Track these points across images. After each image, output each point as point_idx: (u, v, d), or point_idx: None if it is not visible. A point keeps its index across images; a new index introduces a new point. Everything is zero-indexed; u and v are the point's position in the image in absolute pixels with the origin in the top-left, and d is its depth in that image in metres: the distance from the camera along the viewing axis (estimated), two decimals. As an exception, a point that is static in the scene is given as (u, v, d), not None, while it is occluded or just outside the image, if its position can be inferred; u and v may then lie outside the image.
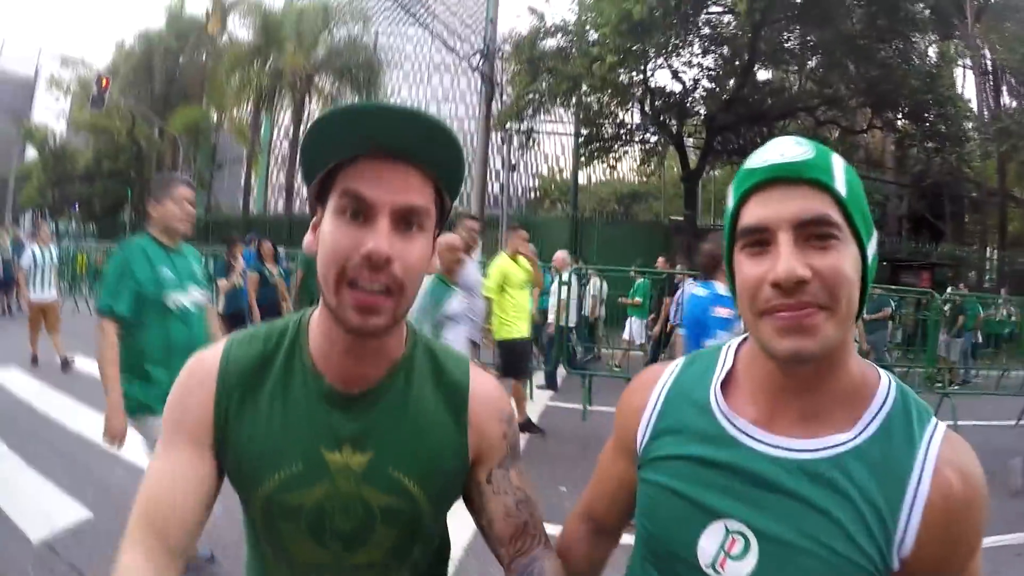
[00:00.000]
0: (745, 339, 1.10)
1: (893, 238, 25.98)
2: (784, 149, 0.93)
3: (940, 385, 10.43)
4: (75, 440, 6.39)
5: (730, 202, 0.99)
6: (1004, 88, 29.01)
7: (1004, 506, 5.75)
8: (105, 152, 40.52)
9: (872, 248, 0.96)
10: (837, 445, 0.95)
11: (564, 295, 9.61)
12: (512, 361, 7.03)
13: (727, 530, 0.98)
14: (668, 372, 1.16)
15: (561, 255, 10.23)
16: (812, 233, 0.90)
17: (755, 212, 0.94)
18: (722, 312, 4.36)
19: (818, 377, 0.96)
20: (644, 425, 1.12)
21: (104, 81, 25.58)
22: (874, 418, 0.96)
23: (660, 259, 11.80)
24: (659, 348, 10.19)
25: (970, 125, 22.59)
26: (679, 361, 1.17)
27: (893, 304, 12.35)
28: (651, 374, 1.18)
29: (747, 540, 0.96)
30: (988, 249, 28.69)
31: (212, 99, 37.77)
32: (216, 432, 1.09)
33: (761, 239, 0.93)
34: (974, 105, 26.63)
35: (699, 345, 4.51)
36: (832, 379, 0.97)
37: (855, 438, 0.95)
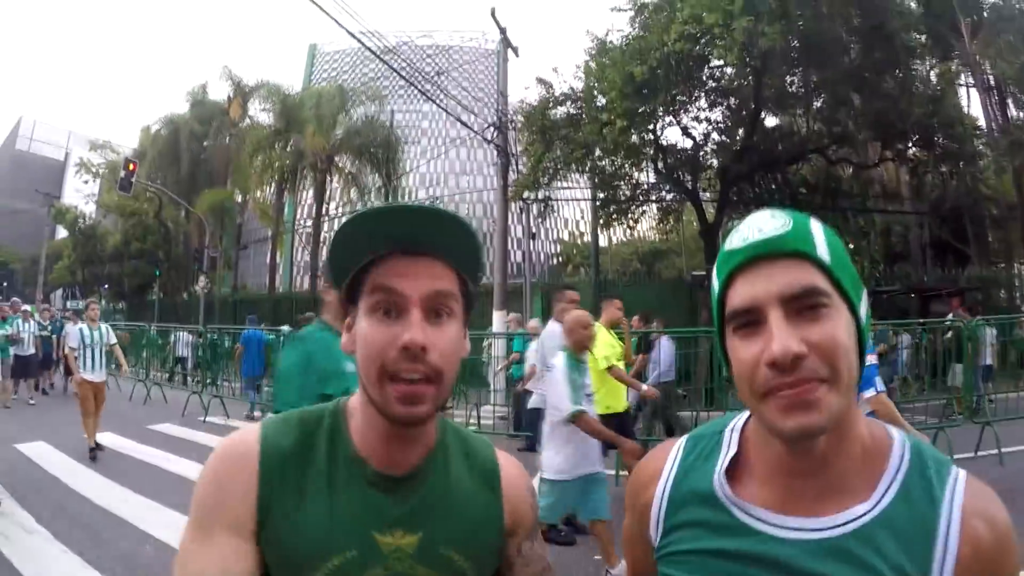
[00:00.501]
0: (747, 420, 1.08)
1: (919, 268, 25.81)
2: (762, 224, 0.93)
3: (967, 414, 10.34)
4: (102, 515, 6.63)
5: (715, 285, 0.99)
6: (1010, 101, 28.91)
7: None
8: (133, 233, 41.45)
9: (864, 308, 0.95)
10: (857, 518, 0.92)
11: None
12: (624, 432, 6.40)
13: None
14: (669, 463, 1.12)
15: (533, 322, 10.46)
16: (802, 305, 0.89)
17: (742, 292, 0.93)
18: None
19: (830, 451, 0.94)
20: (655, 522, 1.10)
21: (131, 165, 26.13)
22: (892, 482, 0.94)
23: (635, 318, 11.62)
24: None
25: (981, 142, 22.52)
26: (678, 448, 1.14)
27: (903, 337, 12.37)
28: (652, 466, 1.15)
29: None
30: (1016, 266, 28.36)
31: (236, 181, 38.68)
32: (259, 519, 1.06)
33: (751, 319, 0.91)
34: (982, 122, 26.59)
35: None
36: (844, 450, 0.95)
37: (875, 507, 0.92)
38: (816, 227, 0.94)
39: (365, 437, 1.12)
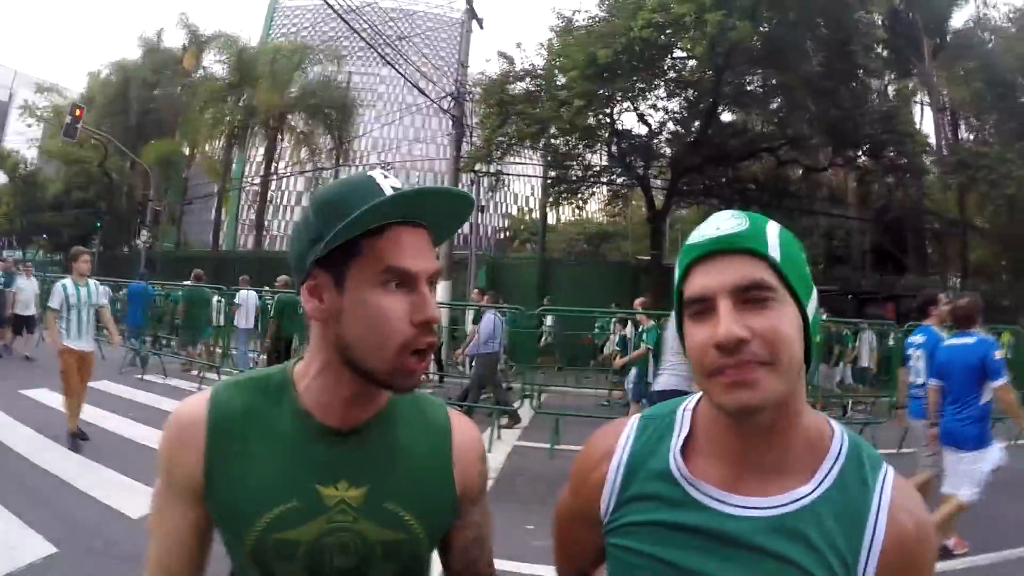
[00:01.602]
0: (699, 402, 1.14)
1: (858, 272, 26.50)
2: (720, 223, 1.01)
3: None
4: (41, 475, 6.42)
5: (676, 275, 1.07)
6: (961, 123, 29.80)
7: (980, 529, 5.81)
8: (76, 182, 39.82)
9: (812, 306, 1.02)
10: (799, 499, 1.01)
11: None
12: None
13: None
14: (622, 441, 1.17)
15: (475, 292, 10.74)
16: (749, 297, 0.96)
17: (697, 282, 1.01)
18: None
19: (774, 433, 1.02)
20: (607, 497, 1.15)
21: (78, 111, 25.26)
22: (831, 469, 1.03)
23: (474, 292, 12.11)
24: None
25: (928, 159, 23.19)
26: (630, 427, 1.19)
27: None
28: (604, 445, 1.19)
29: None
30: (951, 278, 29.30)
31: (185, 133, 37.58)
32: (206, 479, 1.10)
33: (704, 307, 0.99)
34: (932, 140, 27.38)
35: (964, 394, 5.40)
36: (787, 434, 1.02)
37: (815, 490, 1.01)
38: (772, 229, 1.02)
39: (318, 396, 1.13)
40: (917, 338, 6.28)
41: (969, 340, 5.42)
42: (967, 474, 5.35)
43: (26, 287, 14.28)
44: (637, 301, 11.25)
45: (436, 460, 1.21)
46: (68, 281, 7.81)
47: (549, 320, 15.29)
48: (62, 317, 7.71)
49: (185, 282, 15.48)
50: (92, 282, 8.05)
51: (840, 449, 1.05)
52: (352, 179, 1.10)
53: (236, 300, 13.82)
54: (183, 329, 14.67)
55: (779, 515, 1.00)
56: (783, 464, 1.03)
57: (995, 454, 5.42)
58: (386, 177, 1.08)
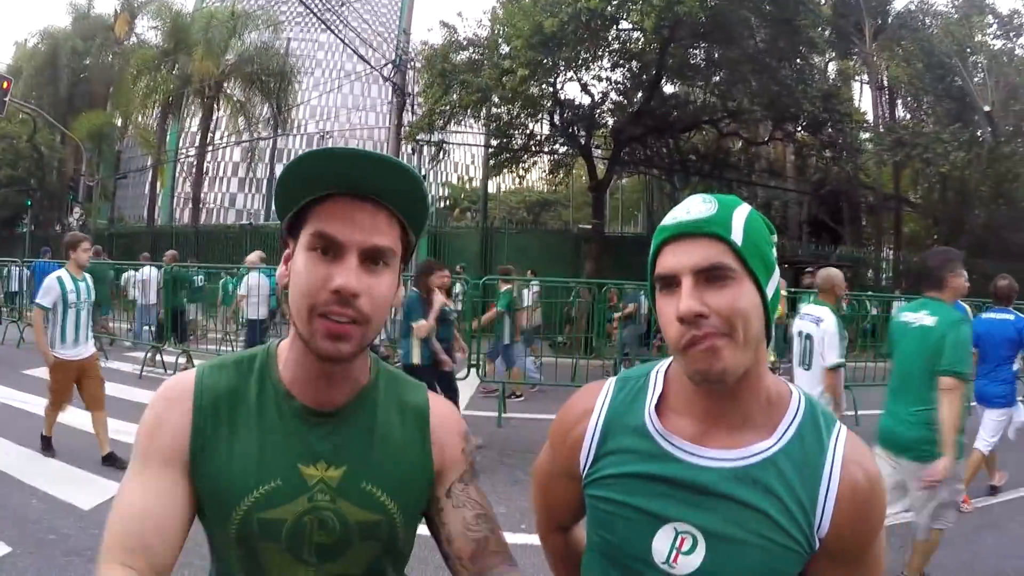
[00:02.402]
0: (670, 364, 1.26)
1: (794, 242, 27.09)
2: (691, 207, 1.12)
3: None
4: None
5: (650, 253, 1.16)
6: (899, 102, 30.58)
7: None
8: (3, 159, 38.37)
9: (772, 286, 1.12)
10: (761, 452, 1.12)
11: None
12: None
13: (676, 531, 1.13)
14: (600, 400, 1.28)
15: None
16: (710, 276, 1.07)
17: (665, 262, 1.11)
18: None
19: (737, 394, 1.13)
20: (586, 451, 1.25)
21: (5, 83, 24.09)
22: (789, 426, 1.15)
23: None
24: None
25: (865, 136, 23.74)
26: (607, 388, 1.30)
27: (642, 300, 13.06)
28: (583, 404, 1.29)
29: (695, 538, 1.12)
30: (885, 250, 30.18)
31: (118, 104, 36.14)
32: (192, 456, 1.12)
33: (671, 283, 1.10)
34: (871, 117, 28.02)
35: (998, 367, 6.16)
36: (750, 395, 1.14)
37: (775, 444, 1.13)
38: (740, 214, 1.12)
39: (293, 374, 1.17)
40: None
41: (1008, 316, 6.16)
42: (989, 427, 6.21)
43: None
44: (500, 268, 11.67)
45: (414, 440, 1.24)
46: (64, 274, 6.49)
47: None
48: (53, 320, 6.41)
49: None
50: (88, 276, 6.83)
51: (798, 409, 1.18)
52: (316, 149, 1.10)
53: (139, 276, 13.55)
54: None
55: (744, 466, 1.12)
56: (747, 421, 1.15)
57: (1021, 412, 6.36)
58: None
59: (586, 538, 1.32)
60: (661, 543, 1.14)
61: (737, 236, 1.09)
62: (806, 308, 5.88)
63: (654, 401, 1.22)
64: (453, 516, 1.24)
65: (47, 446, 6.73)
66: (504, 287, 10.48)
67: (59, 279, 6.42)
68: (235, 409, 1.16)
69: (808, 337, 5.36)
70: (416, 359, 7.05)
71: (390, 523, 1.18)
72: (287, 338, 1.21)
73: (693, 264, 1.08)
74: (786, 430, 1.15)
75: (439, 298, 7.22)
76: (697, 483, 1.13)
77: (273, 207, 1.16)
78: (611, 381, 1.31)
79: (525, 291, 12.26)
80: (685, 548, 1.13)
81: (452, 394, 7.22)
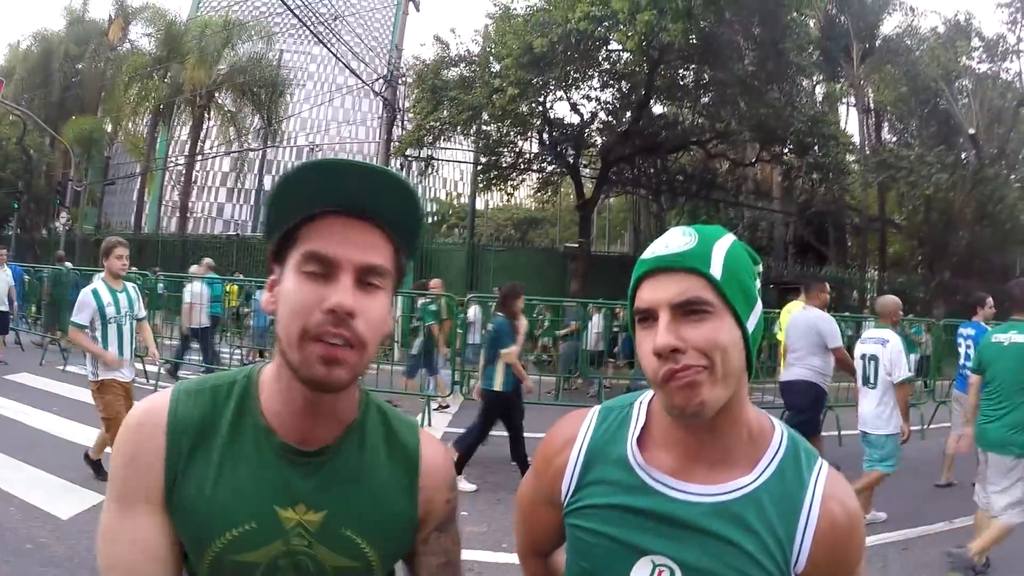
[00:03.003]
0: (653, 397, 1.23)
1: (780, 263, 27.26)
2: (670, 241, 1.11)
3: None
4: None
5: (630, 287, 1.16)
6: (885, 125, 30.90)
7: (896, 507, 6.59)
8: (-9, 160, 38.31)
9: (753, 319, 1.11)
10: (741, 487, 1.12)
11: None
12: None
13: (654, 564, 1.13)
14: (583, 429, 1.26)
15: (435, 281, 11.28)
16: (687, 310, 1.06)
17: (643, 296, 1.11)
18: None
19: (717, 428, 1.12)
20: (568, 480, 1.24)
21: None
22: (771, 462, 1.14)
23: None
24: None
25: (851, 158, 23.95)
26: (591, 417, 1.29)
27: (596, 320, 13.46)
28: (566, 432, 1.28)
29: (672, 571, 1.12)
30: (870, 270, 30.38)
31: (108, 110, 35.92)
32: (166, 490, 1.06)
33: (649, 317, 1.09)
34: (857, 139, 28.28)
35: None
36: (730, 430, 1.13)
37: (755, 480, 1.12)
38: (720, 247, 1.11)
39: (275, 407, 1.09)
40: (967, 330, 7.61)
41: None
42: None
43: (0, 279, 12.08)
44: (432, 282, 11.74)
45: (400, 486, 1.18)
46: (100, 285, 5.74)
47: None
48: (93, 337, 5.70)
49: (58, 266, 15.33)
50: (130, 286, 6.16)
51: (780, 444, 1.17)
52: (307, 161, 1.05)
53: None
54: (47, 310, 14.44)
55: (723, 501, 1.12)
56: (728, 456, 1.14)
57: None
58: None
59: (565, 566, 1.31)
60: (639, 575, 1.14)
61: (716, 270, 1.08)
62: (869, 332, 6.54)
63: (636, 433, 1.21)
64: (423, 562, 1.23)
65: (98, 470, 6.19)
66: (423, 300, 10.69)
67: (94, 292, 5.68)
68: (210, 442, 1.09)
69: (873, 358, 6.09)
70: (499, 386, 7.01)
71: (368, 570, 1.13)
72: (271, 363, 1.13)
73: (669, 298, 1.07)
74: (767, 466, 1.15)
75: (524, 322, 7.33)
76: (676, 517, 1.13)
77: (261, 221, 1.12)
78: (594, 411, 1.31)
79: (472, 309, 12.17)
80: None
81: (521, 415, 7.28)
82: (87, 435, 7.04)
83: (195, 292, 11.77)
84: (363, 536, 1.12)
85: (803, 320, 7.25)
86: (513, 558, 1.58)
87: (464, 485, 6.58)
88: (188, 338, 12.23)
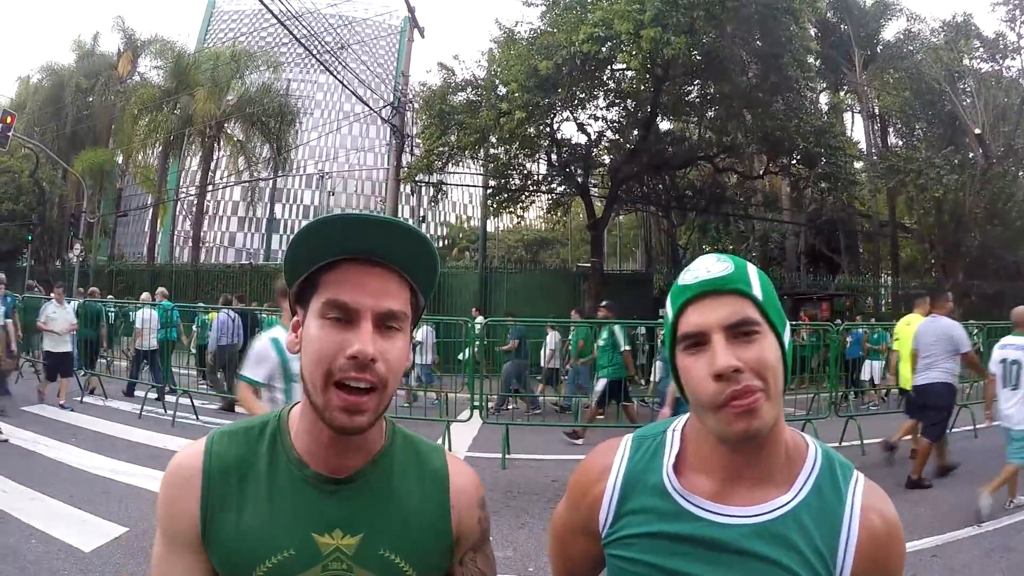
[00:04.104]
0: (686, 423, 1.26)
1: (792, 273, 27.14)
2: (709, 266, 1.15)
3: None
4: None
5: (670, 313, 1.18)
6: (891, 129, 30.86)
7: (915, 512, 6.72)
8: (5, 193, 38.39)
9: (787, 335, 1.16)
10: (781, 506, 1.13)
11: None
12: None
13: None
14: (618, 459, 1.28)
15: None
16: (739, 332, 1.09)
17: (692, 320, 1.12)
18: None
19: (761, 450, 1.14)
20: (605, 511, 1.25)
21: (9, 118, 23.91)
22: (808, 479, 1.16)
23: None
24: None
25: (859, 165, 23.91)
26: (624, 446, 1.31)
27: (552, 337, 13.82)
28: (601, 463, 1.30)
29: None
30: (883, 276, 30.28)
31: (119, 142, 36.17)
32: (202, 530, 1.11)
33: (699, 341, 1.11)
34: (863, 145, 28.23)
35: None
36: (772, 450, 1.15)
37: (794, 498, 1.14)
38: (752, 271, 1.16)
39: (306, 442, 1.15)
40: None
41: None
42: None
43: (59, 316, 11.61)
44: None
45: (432, 507, 1.22)
46: (279, 332, 4.33)
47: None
48: (271, 398, 4.34)
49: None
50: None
51: (815, 460, 1.19)
52: (325, 216, 1.11)
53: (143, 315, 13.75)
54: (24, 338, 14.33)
55: (763, 522, 1.13)
56: (766, 476, 1.16)
57: None
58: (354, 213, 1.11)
59: None
60: None
61: (757, 291, 1.13)
62: (1008, 340, 7.13)
63: (672, 460, 1.22)
64: None
65: None
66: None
67: (274, 341, 4.29)
68: (245, 479, 1.15)
69: (1016, 362, 6.80)
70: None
71: None
72: (297, 404, 1.20)
73: (721, 320, 1.10)
74: (804, 483, 1.16)
75: None
76: (717, 541, 1.13)
77: (283, 261, 1.15)
78: (627, 439, 1.33)
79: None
80: None
81: None
82: (105, 466, 7.13)
83: (144, 318, 13.00)
84: (400, 556, 1.16)
85: (934, 328, 8.03)
86: None
87: None
88: (137, 359, 13.43)
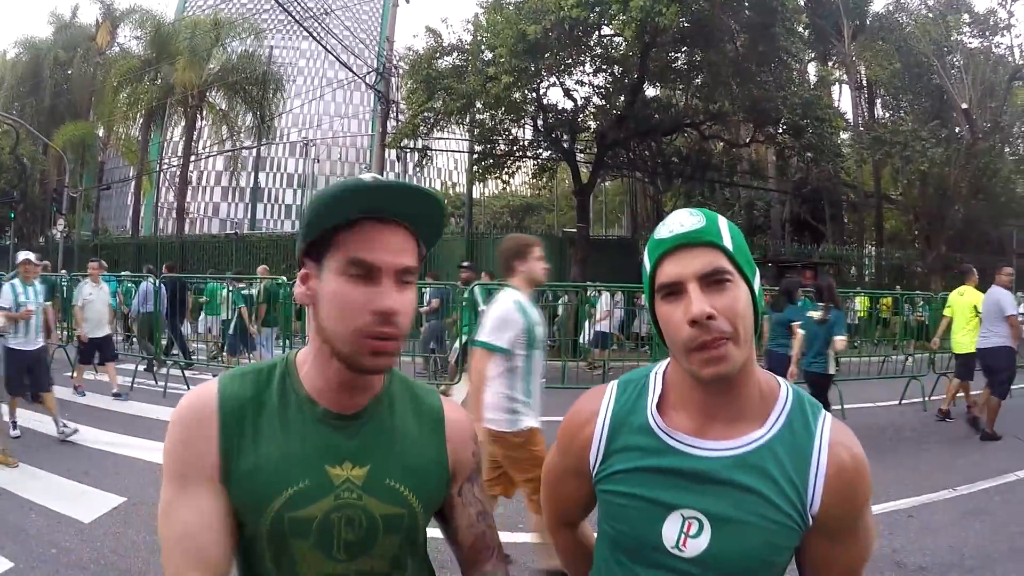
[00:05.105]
0: (667, 367, 1.37)
1: (777, 241, 27.30)
2: (683, 220, 1.22)
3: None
4: None
5: (647, 265, 1.27)
6: (878, 101, 30.91)
7: (892, 475, 6.85)
8: (-15, 171, 38.23)
9: (757, 284, 1.25)
10: (756, 440, 1.23)
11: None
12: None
13: (683, 517, 1.24)
14: (605, 403, 1.39)
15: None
16: (711, 280, 1.18)
17: (668, 271, 1.21)
18: None
19: (733, 389, 1.24)
20: (595, 452, 1.36)
21: None
22: (780, 415, 1.26)
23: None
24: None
25: (845, 136, 23.94)
26: (610, 391, 1.41)
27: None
28: (589, 408, 1.41)
29: (701, 522, 1.23)
30: (867, 246, 30.48)
31: (100, 114, 35.66)
32: (223, 464, 1.18)
33: (676, 290, 1.20)
34: (850, 116, 28.27)
35: None
36: (745, 390, 1.25)
37: (768, 432, 1.24)
38: (723, 223, 1.24)
39: (316, 382, 1.25)
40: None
41: None
42: None
43: (97, 297, 10.82)
44: (259, 268, 13.66)
45: (430, 441, 1.34)
46: (520, 295, 4.13)
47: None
48: (511, 372, 4.06)
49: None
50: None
51: (787, 399, 1.29)
52: (340, 180, 1.19)
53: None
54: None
55: (741, 453, 1.23)
56: (741, 413, 1.26)
57: None
58: (374, 178, 1.17)
59: (598, 531, 1.42)
60: (670, 529, 1.25)
61: (728, 243, 1.21)
62: None
63: (655, 400, 1.33)
64: (461, 512, 1.40)
65: None
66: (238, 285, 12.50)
67: (519, 305, 4.08)
68: (259, 416, 1.22)
69: None
70: (832, 369, 8.08)
71: (412, 515, 1.27)
72: (303, 349, 1.30)
73: (696, 271, 1.18)
74: (777, 419, 1.26)
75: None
76: (700, 472, 1.23)
77: (301, 228, 1.21)
78: (612, 385, 1.42)
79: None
80: (692, 532, 1.23)
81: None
82: (101, 439, 7.13)
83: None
84: (404, 484, 1.26)
85: (991, 296, 8.93)
86: (528, 537, 1.68)
87: None
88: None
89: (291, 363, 1.29)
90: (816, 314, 8.15)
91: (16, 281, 7.66)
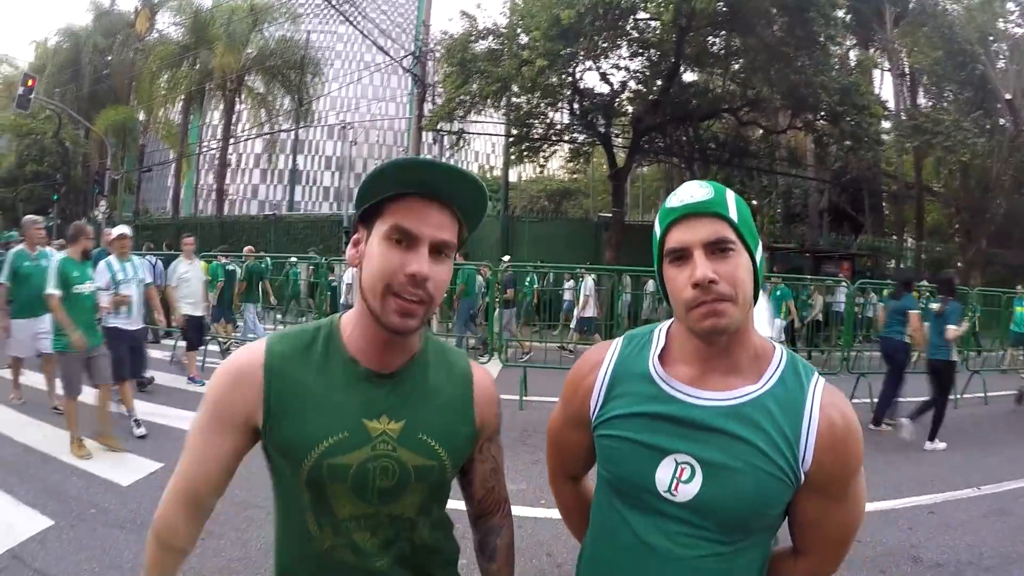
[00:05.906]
0: (671, 324, 1.46)
1: (815, 231, 26.89)
2: (693, 191, 1.32)
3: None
4: (23, 451, 6.33)
5: (657, 231, 1.36)
6: (920, 89, 30.24)
7: (918, 470, 6.94)
8: (29, 155, 38.78)
9: (759, 254, 1.34)
10: (750, 393, 1.31)
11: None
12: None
13: (676, 462, 1.31)
14: (609, 354, 1.48)
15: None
16: (715, 248, 1.27)
17: (676, 237, 1.31)
18: None
19: (731, 347, 1.33)
20: (595, 398, 1.45)
21: (30, 81, 24.09)
22: (774, 373, 1.34)
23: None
24: None
25: (886, 125, 23.45)
26: (616, 343, 1.50)
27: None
28: (593, 359, 1.51)
29: (693, 468, 1.30)
30: (907, 239, 29.91)
31: (140, 99, 36.39)
32: (265, 415, 1.32)
33: (682, 255, 1.30)
34: (892, 104, 27.71)
35: None
36: (740, 349, 1.34)
37: (762, 387, 1.32)
38: (730, 196, 1.33)
39: (357, 343, 1.37)
40: None
41: None
42: None
43: (192, 274, 9.96)
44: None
45: (460, 400, 1.47)
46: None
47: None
48: None
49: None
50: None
51: (781, 359, 1.38)
52: (398, 158, 1.33)
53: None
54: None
55: (735, 404, 1.31)
56: (738, 369, 1.35)
57: None
58: (426, 159, 1.30)
59: (597, 477, 1.50)
60: (663, 473, 1.32)
61: (733, 214, 1.30)
62: None
63: (657, 352, 1.41)
64: (478, 468, 1.54)
65: None
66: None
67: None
68: (303, 371, 1.35)
69: None
70: (954, 356, 8.49)
71: (441, 468, 1.39)
72: (348, 312, 1.42)
73: (702, 238, 1.28)
74: (771, 376, 1.34)
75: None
76: (694, 420, 1.31)
77: (352, 203, 1.34)
78: (619, 338, 1.52)
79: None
80: (684, 477, 1.30)
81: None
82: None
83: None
84: (435, 439, 1.38)
85: None
86: (551, 512, 1.77)
87: (936, 444, 7.99)
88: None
89: (335, 325, 1.42)
90: (936, 306, 8.42)
91: (112, 258, 7.29)
